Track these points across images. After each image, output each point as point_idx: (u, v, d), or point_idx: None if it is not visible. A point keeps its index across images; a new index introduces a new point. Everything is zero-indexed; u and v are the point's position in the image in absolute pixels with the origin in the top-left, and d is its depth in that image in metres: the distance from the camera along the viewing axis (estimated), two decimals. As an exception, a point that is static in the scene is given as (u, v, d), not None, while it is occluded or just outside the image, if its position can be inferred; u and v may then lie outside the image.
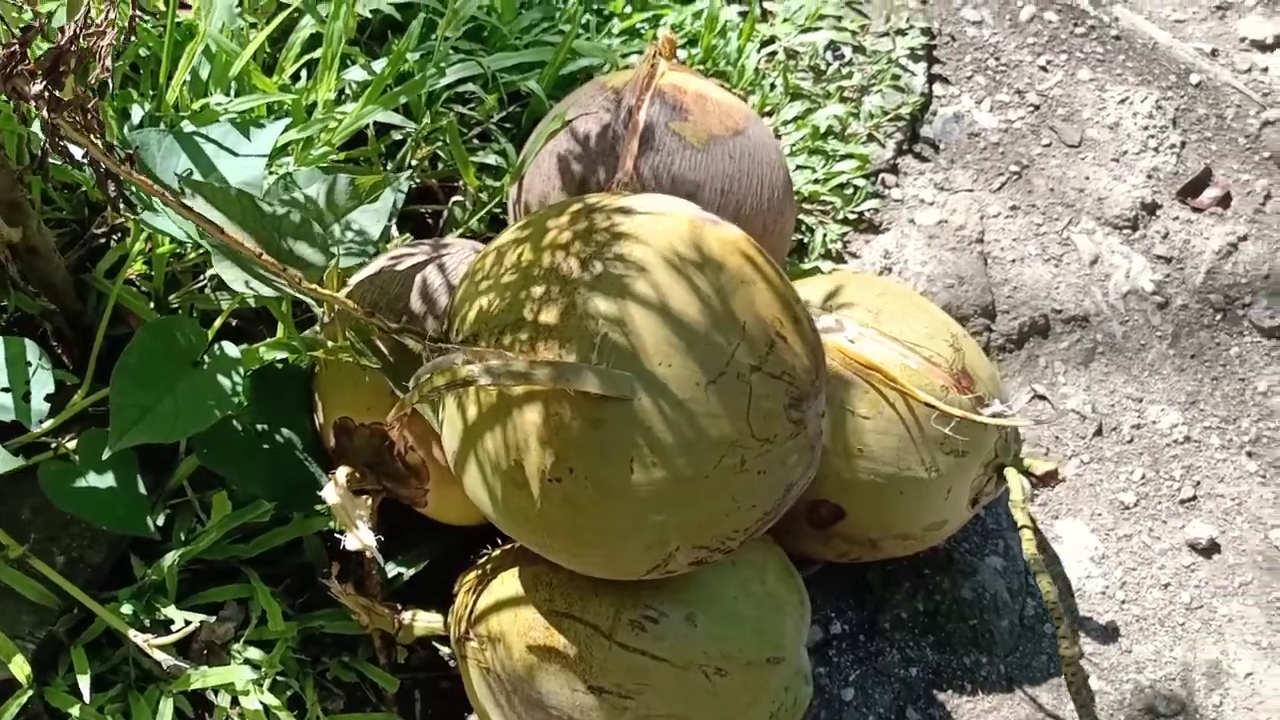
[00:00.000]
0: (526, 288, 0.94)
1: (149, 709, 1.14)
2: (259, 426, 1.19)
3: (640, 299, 0.90)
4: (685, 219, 0.96)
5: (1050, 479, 1.25)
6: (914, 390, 1.13)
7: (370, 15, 1.46)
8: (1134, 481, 1.48)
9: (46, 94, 0.87)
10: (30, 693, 1.12)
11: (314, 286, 0.99)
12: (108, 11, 0.90)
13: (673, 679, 1.02)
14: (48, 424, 1.15)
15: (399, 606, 1.20)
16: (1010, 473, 1.21)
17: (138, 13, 1.04)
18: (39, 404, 1.09)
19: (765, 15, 1.77)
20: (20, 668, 1.12)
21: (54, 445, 1.18)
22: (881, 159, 1.67)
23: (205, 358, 1.13)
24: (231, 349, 1.13)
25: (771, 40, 1.72)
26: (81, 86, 0.96)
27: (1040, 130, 1.76)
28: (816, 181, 1.60)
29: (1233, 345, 1.60)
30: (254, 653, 1.18)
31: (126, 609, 1.17)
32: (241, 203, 1.09)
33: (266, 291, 1.06)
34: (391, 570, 1.25)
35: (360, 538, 1.05)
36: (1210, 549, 1.44)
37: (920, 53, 1.78)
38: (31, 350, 1.11)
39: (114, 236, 1.32)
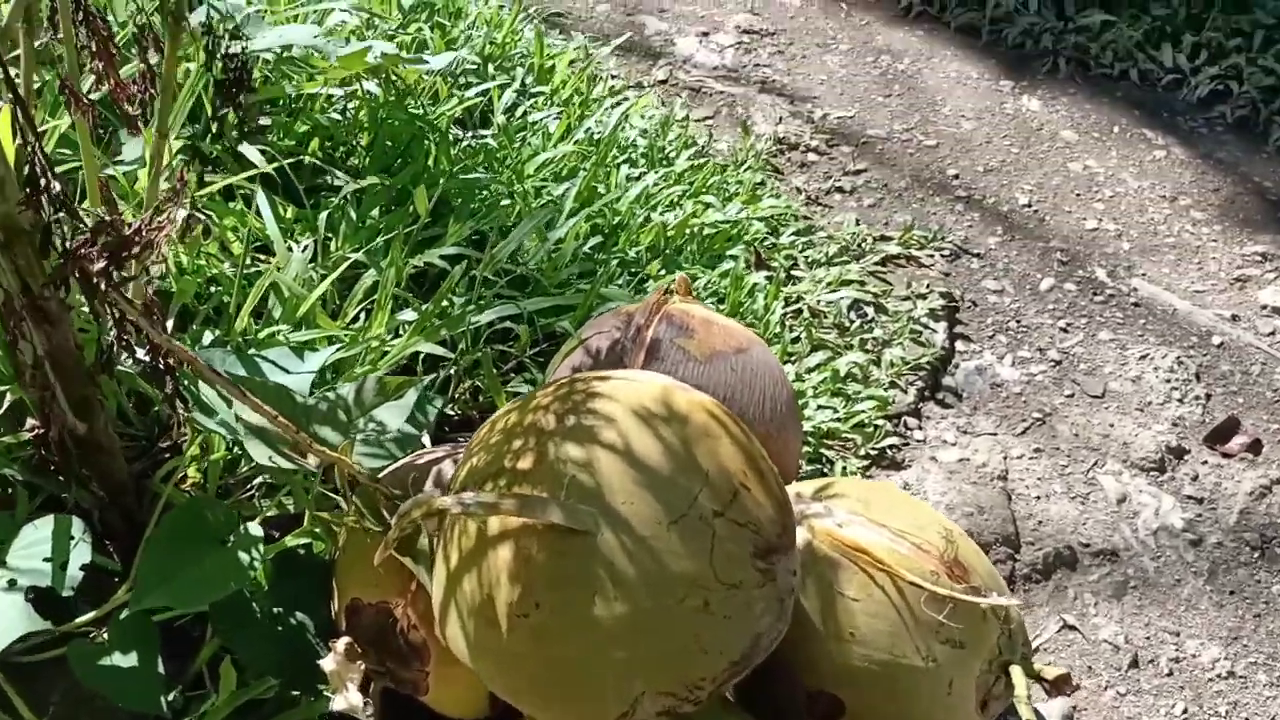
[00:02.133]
0: (509, 443, 1.02)
1: None
2: (276, 609, 1.25)
3: (606, 444, 0.98)
4: (658, 384, 1.05)
5: (1063, 685, 1.21)
6: (900, 570, 1.15)
7: (424, 268, 1.65)
8: (1175, 716, 1.41)
9: (109, 272, 1.03)
10: None
11: (325, 449, 1.09)
12: (172, 210, 1.08)
13: None
14: (90, 615, 1.23)
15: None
16: (1015, 670, 1.18)
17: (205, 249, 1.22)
18: (74, 572, 1.18)
19: (790, 279, 1.92)
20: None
21: (92, 634, 1.26)
22: (903, 404, 1.74)
23: (231, 537, 1.22)
24: (255, 529, 1.22)
25: (797, 300, 1.86)
26: (145, 283, 1.12)
27: (1063, 383, 1.83)
28: (838, 420, 1.68)
29: (1274, 583, 1.56)
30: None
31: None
32: (279, 393, 1.22)
33: (287, 465, 1.16)
34: (392, 768, 1.25)
35: (348, 698, 1.08)
36: (1262, 787, 1.35)
37: (941, 313, 1.90)
38: (76, 526, 1.21)
39: (176, 453, 1.46)
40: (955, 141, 2.35)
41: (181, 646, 1.28)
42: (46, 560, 1.19)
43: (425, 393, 1.33)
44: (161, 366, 1.22)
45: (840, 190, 2.19)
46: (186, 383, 1.24)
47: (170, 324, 1.43)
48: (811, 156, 2.26)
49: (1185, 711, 1.41)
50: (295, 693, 1.24)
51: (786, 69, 2.54)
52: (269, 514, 1.33)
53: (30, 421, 1.32)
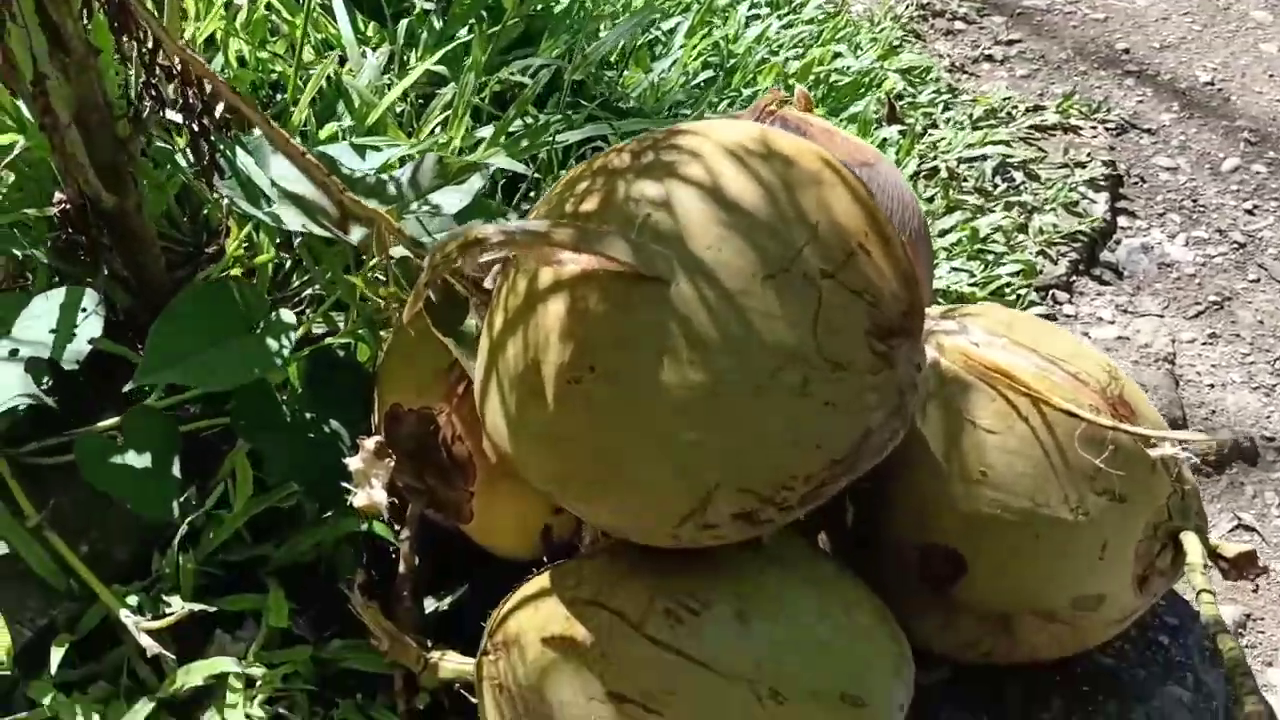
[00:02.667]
0: (573, 188, 0.83)
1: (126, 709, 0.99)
2: (308, 415, 1.09)
3: (691, 181, 0.78)
4: (759, 126, 0.84)
5: (1246, 565, 0.97)
6: (1052, 397, 0.92)
7: (511, 84, 1.47)
8: (1379, 635, 1.15)
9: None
10: (8, 673, 1.00)
11: (369, 208, 0.92)
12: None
13: (710, 691, 0.80)
14: (111, 420, 1.09)
15: (428, 643, 1.02)
16: (1188, 536, 0.95)
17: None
18: (80, 346, 1.03)
19: (927, 138, 1.68)
20: (2, 640, 1.00)
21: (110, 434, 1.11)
22: (1052, 275, 1.50)
23: (262, 324, 1.06)
24: (288, 315, 1.06)
25: (934, 158, 1.63)
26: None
27: (1246, 266, 1.56)
28: (975, 285, 1.44)
29: None
30: (257, 669, 1.02)
31: (132, 600, 1.04)
32: (322, 160, 1.05)
33: (321, 232, 0.99)
34: (430, 605, 1.08)
35: (371, 495, 0.91)
36: None
37: (1103, 183, 1.64)
38: (90, 298, 1.06)
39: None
40: (1126, 16, 2.06)
41: (209, 462, 1.13)
42: (53, 332, 1.05)
43: (486, 200, 1.15)
44: (194, 123, 1.06)
45: (990, 59, 1.94)
46: (224, 148, 1.09)
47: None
48: (959, 25, 2.01)
49: (1389, 633, 1.15)
50: (319, 508, 1.08)
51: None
52: (313, 323, 1.18)
53: (58, 195, 1.17)
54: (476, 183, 1.10)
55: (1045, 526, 0.93)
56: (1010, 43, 1.98)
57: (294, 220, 1.00)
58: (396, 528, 1.10)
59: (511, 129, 1.34)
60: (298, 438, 1.07)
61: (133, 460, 1.06)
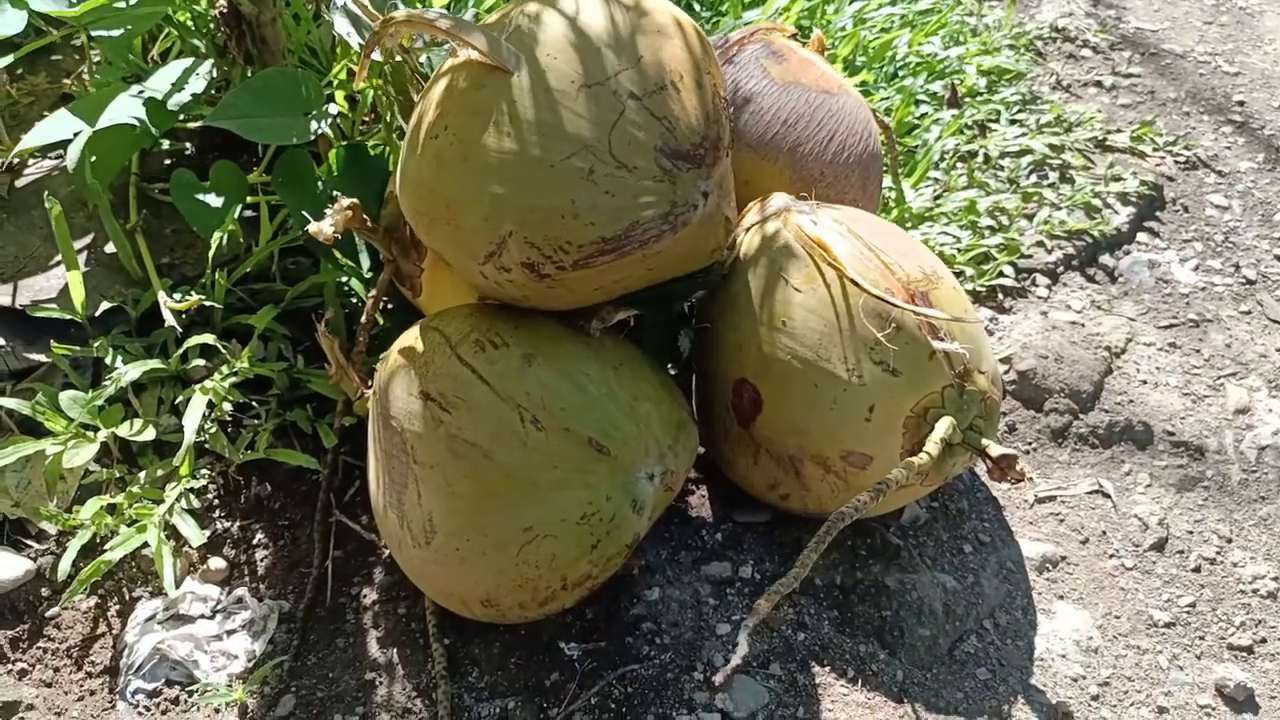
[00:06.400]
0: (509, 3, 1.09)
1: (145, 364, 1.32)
2: (333, 191, 1.40)
3: (561, 9, 1.02)
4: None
5: (1007, 467, 1.10)
6: (848, 269, 1.09)
7: None
8: (1178, 606, 1.23)
9: None
10: (84, 324, 1.35)
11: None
12: None
13: (488, 405, 1.03)
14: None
15: (369, 383, 1.30)
16: (943, 419, 1.09)
17: None
18: (183, 95, 1.38)
19: (984, 131, 1.81)
20: (78, 290, 1.36)
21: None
22: (1040, 261, 1.61)
23: (313, 113, 1.38)
24: (334, 107, 1.37)
25: (977, 145, 1.76)
26: None
27: (1245, 299, 1.61)
28: (958, 251, 1.58)
29: (1388, 543, 1.31)
30: (244, 365, 1.34)
31: (176, 295, 1.38)
32: (383, -7, 1.35)
33: (355, 40, 1.29)
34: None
35: (322, 226, 1.20)
36: (1243, 703, 1.14)
37: (1132, 199, 1.72)
38: (204, 69, 1.41)
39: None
40: (1259, 75, 2.09)
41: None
42: (171, 84, 1.40)
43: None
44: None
45: (1098, 84, 2.02)
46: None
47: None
48: (1085, 52, 2.11)
49: (1191, 606, 1.23)
50: (324, 262, 1.39)
51: (1108, -21, 2.36)
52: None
53: (221, 1, 1.54)
54: None
55: (823, 378, 1.10)
56: (1127, 75, 2.05)
57: (341, 27, 1.31)
58: (372, 292, 1.39)
59: None
60: (319, 200, 1.38)
61: (208, 199, 1.40)
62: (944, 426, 1.09)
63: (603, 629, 1.14)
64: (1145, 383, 1.46)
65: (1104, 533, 1.29)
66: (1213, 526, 1.31)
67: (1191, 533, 1.30)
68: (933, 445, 1.07)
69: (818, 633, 1.15)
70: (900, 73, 1.80)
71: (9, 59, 1.43)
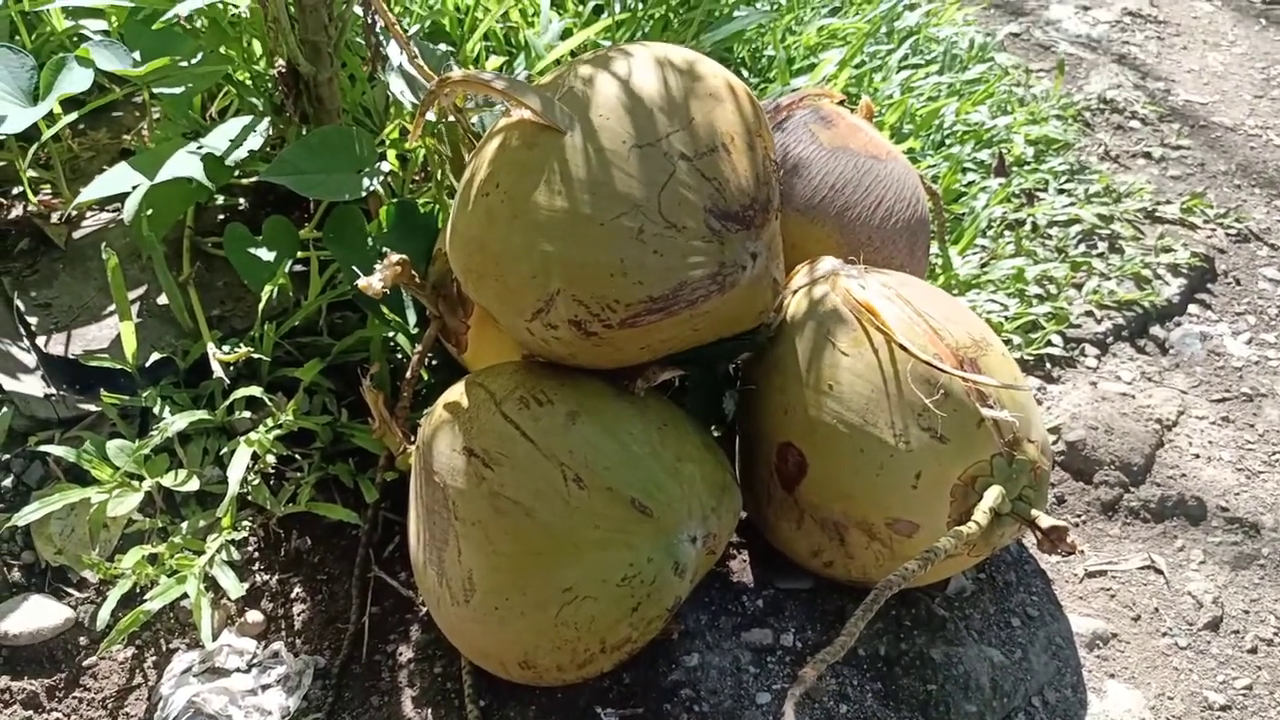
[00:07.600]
0: (563, 66, 1.10)
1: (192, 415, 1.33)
2: (382, 247, 1.41)
3: (614, 71, 1.03)
4: (692, 51, 1.08)
5: (1058, 539, 1.08)
6: (896, 334, 1.08)
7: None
8: (1234, 688, 1.19)
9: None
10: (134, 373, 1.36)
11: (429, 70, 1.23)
12: None
13: (532, 462, 1.02)
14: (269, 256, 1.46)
15: (412, 438, 1.30)
16: (993, 488, 1.07)
17: None
18: (240, 152, 1.40)
19: (1032, 200, 1.81)
20: (130, 340, 1.37)
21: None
22: (1090, 331, 1.59)
23: (366, 170, 1.40)
24: (386, 166, 1.39)
25: (1025, 214, 1.75)
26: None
27: (1300, 375, 1.58)
28: (1006, 319, 1.57)
29: None
30: (288, 418, 1.34)
31: (225, 347, 1.40)
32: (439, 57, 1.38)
33: (408, 100, 1.31)
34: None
35: (372, 281, 1.20)
36: (1304, 792, 1.10)
37: (1184, 270, 1.70)
38: (261, 126, 1.44)
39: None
40: (1313, 149, 2.07)
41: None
42: (230, 141, 1.43)
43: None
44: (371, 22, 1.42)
45: (1148, 155, 2.02)
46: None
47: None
48: (1133, 124, 2.10)
49: (1248, 688, 1.19)
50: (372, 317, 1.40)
51: (1157, 52, 2.36)
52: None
53: (280, 61, 1.58)
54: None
55: (869, 444, 1.09)
56: (1176, 147, 2.04)
57: (396, 86, 1.33)
58: (418, 347, 1.39)
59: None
60: (368, 257, 1.39)
61: (260, 253, 1.42)
62: (993, 495, 1.07)
63: (640, 695, 1.12)
64: (1198, 457, 1.43)
65: (1156, 610, 1.26)
66: (1269, 606, 1.27)
67: (1247, 612, 1.26)
68: (981, 514, 1.05)
69: (861, 705, 1.12)
70: (947, 140, 1.80)
71: (73, 115, 1.47)
